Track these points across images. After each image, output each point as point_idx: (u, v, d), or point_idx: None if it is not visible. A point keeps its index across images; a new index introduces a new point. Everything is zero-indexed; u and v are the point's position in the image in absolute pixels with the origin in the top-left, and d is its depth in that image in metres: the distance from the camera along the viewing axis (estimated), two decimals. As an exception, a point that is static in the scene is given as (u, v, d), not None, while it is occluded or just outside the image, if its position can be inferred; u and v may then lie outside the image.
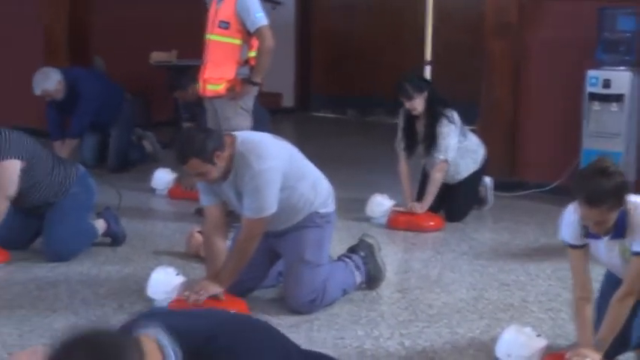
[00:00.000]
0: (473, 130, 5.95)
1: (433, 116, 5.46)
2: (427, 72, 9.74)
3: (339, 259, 4.26)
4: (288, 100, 10.81)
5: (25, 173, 4.53)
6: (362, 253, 4.27)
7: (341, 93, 10.60)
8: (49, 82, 6.64)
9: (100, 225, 4.90)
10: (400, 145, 5.67)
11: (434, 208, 5.58)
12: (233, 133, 3.96)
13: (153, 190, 6.35)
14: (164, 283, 3.95)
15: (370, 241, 4.34)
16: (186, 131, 3.97)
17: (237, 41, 5.22)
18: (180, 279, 3.97)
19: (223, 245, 3.97)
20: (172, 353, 2.13)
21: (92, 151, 7.17)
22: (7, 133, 4.52)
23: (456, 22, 9.70)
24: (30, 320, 3.80)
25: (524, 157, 6.63)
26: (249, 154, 3.77)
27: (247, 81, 5.26)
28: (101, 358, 1.93)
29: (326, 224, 4.04)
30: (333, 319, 3.91)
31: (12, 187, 4.50)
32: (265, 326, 2.56)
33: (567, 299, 4.03)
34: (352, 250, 4.32)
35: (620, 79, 5.94)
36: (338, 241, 4.61)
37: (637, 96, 6.02)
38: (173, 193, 6.27)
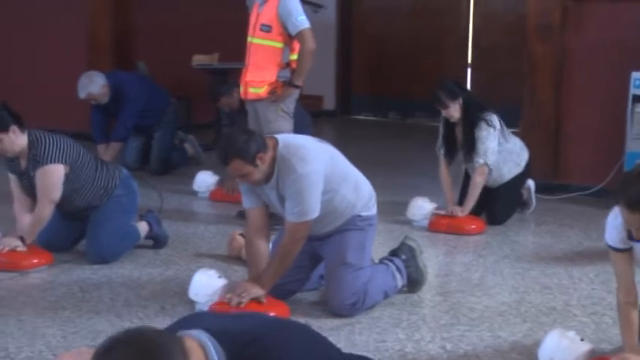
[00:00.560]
0: (515, 133, 5.91)
1: (471, 122, 5.44)
2: (468, 75, 9.70)
3: (381, 262, 4.25)
4: (329, 103, 10.82)
5: (68, 178, 4.59)
6: (403, 256, 4.26)
7: (382, 95, 10.58)
8: (94, 86, 6.71)
9: (143, 227, 4.94)
10: (440, 150, 5.66)
11: (476, 211, 5.56)
12: (275, 135, 3.97)
13: (195, 193, 6.39)
14: (206, 285, 3.97)
15: (412, 244, 4.32)
16: (229, 133, 3.98)
17: (279, 44, 5.24)
18: (222, 281, 3.98)
19: (265, 248, 3.97)
20: (215, 354, 2.14)
21: (135, 154, 7.23)
22: (51, 137, 4.58)
23: (498, 25, 9.64)
24: (74, 322, 3.84)
25: (568, 159, 6.56)
26: (291, 157, 3.77)
27: (288, 84, 5.28)
28: (145, 357, 1.95)
29: (368, 227, 4.04)
30: (374, 322, 3.91)
31: (56, 191, 4.56)
32: (306, 329, 2.56)
33: (611, 303, 3.98)
34: (394, 253, 4.31)
35: (666, 80, 5.87)
36: (379, 244, 4.60)
37: (683, 98, 5.93)
38: (215, 196, 6.30)
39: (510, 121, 5.86)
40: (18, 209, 4.69)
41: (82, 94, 6.72)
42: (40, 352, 3.51)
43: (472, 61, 9.89)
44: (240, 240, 4.65)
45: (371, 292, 3.99)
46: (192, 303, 3.97)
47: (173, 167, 7.24)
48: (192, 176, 6.48)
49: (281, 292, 3.98)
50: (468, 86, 9.35)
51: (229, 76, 7.75)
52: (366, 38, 10.66)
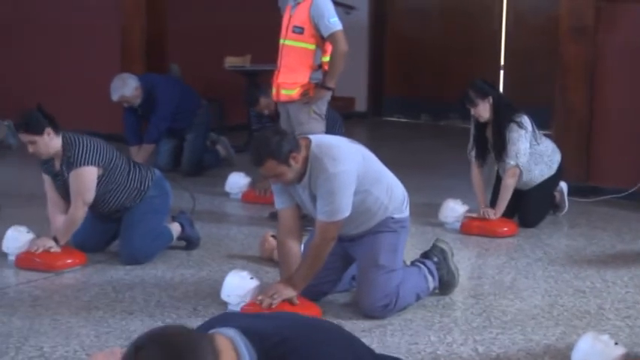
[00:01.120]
0: (547, 135, 5.87)
1: (501, 122, 5.41)
2: (501, 77, 9.65)
3: (413, 264, 4.24)
4: (360, 105, 10.82)
5: (101, 179, 4.62)
6: (435, 259, 4.25)
7: (414, 97, 10.56)
8: (127, 88, 6.76)
9: (175, 228, 4.97)
10: (472, 152, 5.63)
11: (508, 214, 5.53)
12: (308, 136, 3.98)
13: (227, 194, 6.41)
14: (238, 286, 3.98)
15: (443, 246, 4.31)
16: (262, 134, 3.99)
17: (311, 46, 5.25)
18: (254, 283, 4.00)
19: (297, 249, 3.98)
20: (246, 352, 2.14)
21: (167, 155, 7.28)
22: (84, 140, 4.62)
23: (530, 26, 9.59)
24: (107, 322, 3.87)
25: (600, 162, 6.51)
26: (323, 156, 3.78)
27: (321, 86, 5.29)
28: (176, 355, 1.96)
29: (401, 229, 4.03)
30: (406, 324, 3.90)
31: (90, 193, 4.60)
32: (338, 329, 2.56)
33: (646, 307, 3.95)
34: (426, 255, 4.30)
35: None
36: (411, 246, 4.59)
37: None
38: (247, 197, 6.32)
39: (543, 123, 5.82)
40: (52, 210, 4.74)
41: (115, 97, 6.77)
42: (75, 351, 3.54)
43: (505, 62, 9.84)
44: (272, 241, 4.67)
45: (403, 294, 3.99)
46: (224, 304, 3.99)
47: (205, 169, 7.27)
48: (224, 178, 6.50)
49: (313, 293, 3.98)
50: (501, 88, 9.31)
51: (261, 78, 7.79)
52: (398, 40, 10.64)
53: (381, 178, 3.98)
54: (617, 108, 6.40)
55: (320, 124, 5.33)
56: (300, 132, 5.04)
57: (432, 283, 4.19)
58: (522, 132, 5.40)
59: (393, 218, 4.00)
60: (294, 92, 5.30)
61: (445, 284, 4.25)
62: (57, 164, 4.64)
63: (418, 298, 4.12)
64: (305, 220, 4.17)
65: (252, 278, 4.02)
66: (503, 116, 5.41)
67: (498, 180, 5.67)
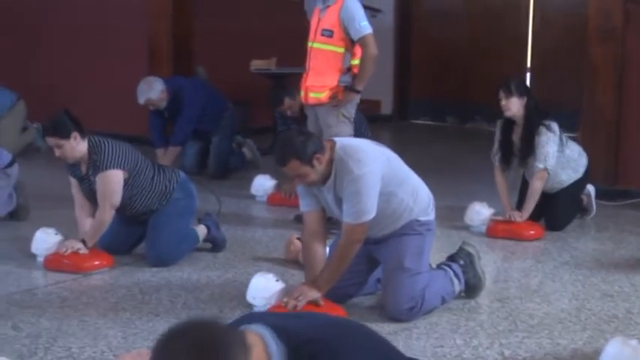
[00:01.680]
0: (574, 138, 5.83)
1: (531, 126, 5.39)
2: (527, 78, 9.59)
3: (439, 267, 4.23)
4: (386, 108, 10.80)
5: (127, 183, 4.65)
6: (461, 262, 4.23)
7: (440, 100, 10.53)
8: (153, 91, 6.79)
9: (201, 231, 4.98)
10: (496, 156, 5.61)
11: (534, 217, 5.50)
12: (333, 138, 3.98)
13: (252, 197, 6.43)
14: (264, 288, 4.00)
15: (470, 249, 4.30)
16: (287, 134, 4.01)
17: (340, 49, 5.26)
18: (279, 285, 4.00)
19: (322, 251, 3.98)
20: (276, 348, 2.15)
21: (193, 158, 7.30)
22: (109, 143, 4.65)
23: (558, 27, 9.53)
24: (134, 323, 3.90)
25: (629, 165, 6.46)
26: (348, 158, 3.78)
27: (350, 89, 5.30)
28: (207, 347, 1.96)
29: (426, 232, 4.02)
30: (432, 327, 3.89)
31: (116, 196, 4.63)
32: (367, 330, 2.55)
33: (675, 311, 3.91)
34: (451, 258, 4.28)
35: None
36: (437, 249, 4.58)
37: None
38: (272, 200, 6.33)
39: (570, 125, 5.79)
40: (79, 213, 4.78)
41: (141, 100, 6.81)
42: (102, 352, 3.57)
43: (531, 64, 9.79)
44: (298, 244, 4.67)
45: (428, 297, 3.98)
46: (250, 306, 4.01)
47: (231, 171, 7.29)
48: (250, 180, 6.52)
49: (338, 295, 3.98)
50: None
51: (286, 81, 7.80)
52: (424, 42, 10.61)
53: (406, 180, 3.97)
54: (645, 110, 6.35)
55: (348, 128, 5.33)
56: (328, 135, 5.05)
57: (457, 287, 4.18)
58: (551, 135, 5.37)
59: (418, 221, 4.00)
60: (323, 95, 5.30)
61: (471, 287, 4.24)
62: (83, 168, 4.67)
63: (444, 301, 4.10)
64: (330, 223, 4.17)
65: (277, 280, 4.03)
66: (534, 121, 5.39)
67: (524, 183, 5.64)
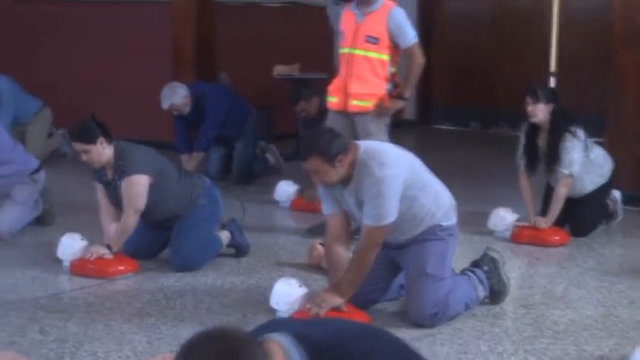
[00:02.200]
0: (600, 143, 5.80)
1: (556, 132, 5.36)
2: (551, 83, 9.54)
3: (462, 272, 4.22)
4: (409, 113, 10.76)
5: (153, 188, 4.67)
6: (485, 268, 4.22)
7: (463, 105, 10.49)
8: (176, 96, 6.83)
9: (225, 236, 5.00)
10: (521, 161, 5.59)
11: (559, 223, 5.47)
12: (356, 141, 3.98)
13: (276, 202, 6.43)
14: (287, 294, 4.00)
15: (494, 255, 4.28)
16: (316, 129, 4.05)
17: (386, 57, 5.28)
18: (302, 290, 4.01)
19: (345, 255, 3.98)
20: (297, 356, 2.15)
21: (217, 163, 7.32)
22: (135, 148, 4.68)
23: (582, 31, 9.47)
24: (159, 328, 3.91)
25: (656, 170, 6.40)
26: (371, 161, 3.78)
27: (397, 96, 5.32)
28: (226, 356, 1.97)
29: (448, 237, 4.01)
30: (456, 333, 3.88)
31: (141, 201, 4.65)
32: (390, 337, 2.54)
33: (702, 318, 3.87)
34: (475, 264, 4.27)
35: None
36: (460, 255, 4.57)
37: None
38: (295, 205, 6.34)
39: (595, 130, 5.75)
40: (104, 218, 4.80)
41: (165, 105, 6.85)
42: (127, 357, 3.59)
43: (555, 68, 9.74)
44: (321, 249, 4.68)
45: (452, 303, 3.97)
46: (273, 311, 4.01)
47: (254, 177, 7.30)
48: (273, 186, 6.53)
49: (361, 301, 3.98)
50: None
51: (309, 87, 7.81)
52: (447, 46, 10.58)
53: (428, 185, 3.97)
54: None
55: (385, 136, 5.34)
56: None
57: (481, 292, 4.16)
58: (576, 141, 5.35)
59: (440, 226, 3.99)
60: (370, 103, 5.29)
61: (496, 293, 4.22)
62: (109, 173, 4.70)
63: (467, 307, 4.09)
64: (355, 233, 4.17)
65: (300, 286, 4.03)
66: (560, 127, 5.36)
67: (548, 189, 5.61)
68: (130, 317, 4.06)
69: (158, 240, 4.93)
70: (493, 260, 4.24)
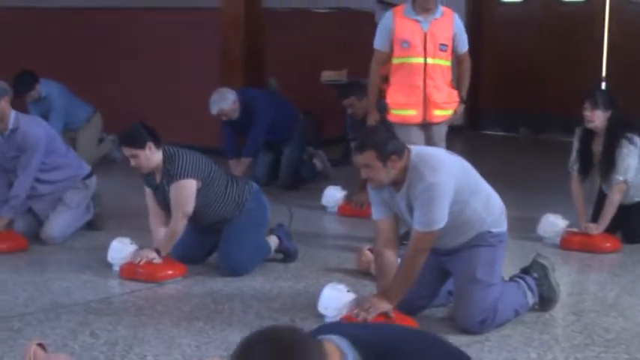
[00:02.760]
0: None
1: (613, 138, 5.30)
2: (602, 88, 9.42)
3: (512, 279, 4.18)
4: (457, 118, 10.70)
5: (201, 192, 4.71)
6: (535, 274, 4.18)
7: (512, 110, 10.40)
8: (225, 101, 6.88)
9: (273, 241, 5.02)
10: (574, 166, 5.52)
11: (610, 229, 5.40)
12: (409, 146, 3.98)
13: (323, 208, 6.44)
14: (335, 299, 4.00)
15: (544, 261, 4.24)
16: (377, 126, 4.09)
17: (450, 63, 5.34)
18: (350, 296, 4.00)
19: (394, 259, 3.96)
20: (352, 357, 2.15)
21: (265, 169, 7.36)
22: (183, 153, 4.72)
23: (635, 35, 9.34)
24: (207, 333, 3.94)
25: None
26: (423, 166, 3.78)
27: (461, 101, 5.34)
28: (286, 353, 1.98)
29: (498, 243, 3.99)
30: (504, 340, 3.85)
31: (189, 205, 4.69)
32: (441, 341, 2.54)
33: None
34: (525, 270, 4.23)
35: None
36: (510, 261, 4.53)
37: None
38: (343, 211, 6.34)
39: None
40: (153, 222, 4.85)
41: (214, 110, 6.90)
42: (176, 361, 3.62)
43: (607, 73, 9.61)
44: (369, 254, 4.67)
45: (501, 309, 3.94)
46: (321, 317, 4.01)
47: (302, 182, 7.32)
48: (320, 191, 6.54)
49: (409, 307, 3.96)
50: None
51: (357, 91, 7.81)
52: (496, 50, 10.50)
53: (479, 190, 3.95)
54: None
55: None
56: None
57: (531, 299, 4.12)
58: (632, 148, 5.29)
59: (490, 232, 3.96)
60: (450, 112, 5.38)
61: (545, 300, 4.18)
62: (158, 177, 4.75)
63: (517, 313, 4.05)
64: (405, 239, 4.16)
65: (348, 291, 4.03)
66: (616, 133, 5.30)
67: (601, 195, 5.54)
68: (179, 321, 4.10)
69: (206, 244, 4.97)
70: (543, 267, 4.20)
